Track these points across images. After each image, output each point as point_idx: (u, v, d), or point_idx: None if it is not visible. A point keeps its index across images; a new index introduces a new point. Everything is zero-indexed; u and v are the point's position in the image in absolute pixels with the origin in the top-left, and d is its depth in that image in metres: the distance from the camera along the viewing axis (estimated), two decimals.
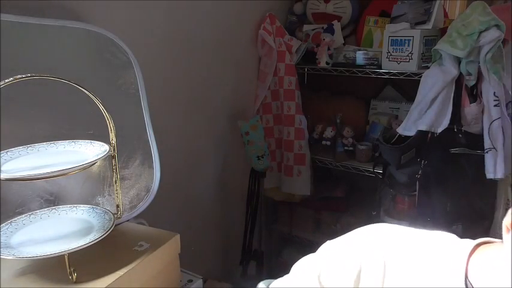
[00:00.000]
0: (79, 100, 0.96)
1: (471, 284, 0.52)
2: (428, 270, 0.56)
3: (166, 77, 1.43)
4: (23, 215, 0.86)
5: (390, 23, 1.70)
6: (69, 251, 0.74)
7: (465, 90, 1.45)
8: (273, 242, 2.32)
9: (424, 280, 0.55)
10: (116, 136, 0.87)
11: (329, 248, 0.67)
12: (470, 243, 0.56)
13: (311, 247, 0.66)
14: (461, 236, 0.59)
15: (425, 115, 1.48)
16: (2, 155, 0.80)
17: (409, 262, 0.58)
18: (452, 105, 1.44)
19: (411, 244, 0.60)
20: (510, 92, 1.40)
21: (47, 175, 0.72)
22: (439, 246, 0.58)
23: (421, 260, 0.57)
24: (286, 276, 0.71)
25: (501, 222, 0.48)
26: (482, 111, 1.42)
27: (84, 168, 0.76)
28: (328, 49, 1.84)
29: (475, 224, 1.48)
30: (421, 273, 0.56)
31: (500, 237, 0.50)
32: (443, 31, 1.57)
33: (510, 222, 0.33)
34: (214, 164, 1.78)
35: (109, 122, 0.85)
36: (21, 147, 0.84)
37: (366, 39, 1.88)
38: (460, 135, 1.44)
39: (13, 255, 0.73)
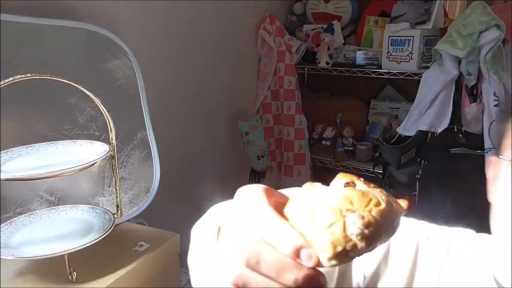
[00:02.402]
0: (79, 100, 0.96)
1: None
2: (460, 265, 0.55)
3: (166, 77, 1.43)
4: (23, 215, 0.86)
5: (390, 23, 1.70)
6: (69, 251, 0.74)
7: (465, 90, 1.45)
8: None
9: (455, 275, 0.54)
10: (116, 136, 0.87)
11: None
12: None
13: None
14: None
15: (425, 115, 1.48)
16: (2, 155, 0.80)
17: (441, 251, 0.57)
18: (452, 105, 1.44)
19: (442, 233, 0.60)
20: (510, 92, 1.40)
21: (47, 175, 0.72)
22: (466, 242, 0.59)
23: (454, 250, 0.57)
24: None
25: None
26: (482, 111, 1.42)
27: (84, 168, 0.76)
28: (328, 49, 1.84)
29: (475, 223, 1.48)
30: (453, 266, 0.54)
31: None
32: (443, 31, 1.57)
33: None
34: (214, 164, 1.78)
35: (109, 122, 0.85)
36: (21, 147, 0.84)
37: (366, 39, 1.88)
38: (460, 135, 1.44)
39: (13, 255, 0.73)
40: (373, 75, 1.72)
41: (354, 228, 0.27)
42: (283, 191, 0.33)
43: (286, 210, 0.30)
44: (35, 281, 0.79)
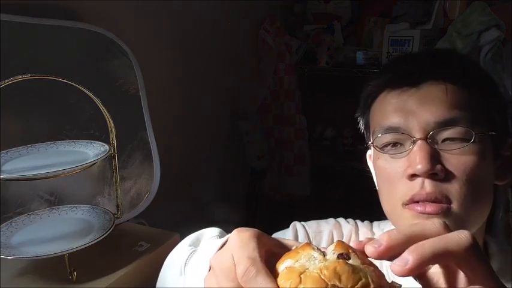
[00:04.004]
0: (79, 100, 0.96)
1: None
2: None
3: (166, 76, 1.43)
4: (23, 215, 0.86)
5: (390, 23, 1.70)
6: (69, 251, 0.74)
7: None
8: None
9: None
10: (116, 136, 0.87)
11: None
12: None
13: None
14: None
15: None
16: (2, 155, 0.80)
17: None
18: None
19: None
20: (510, 92, 1.40)
21: (47, 175, 0.72)
22: None
23: None
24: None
25: (501, 223, 0.50)
26: None
27: (84, 168, 0.76)
28: (328, 49, 1.84)
29: None
30: None
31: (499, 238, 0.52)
32: (443, 31, 1.57)
33: None
34: (214, 164, 1.78)
35: (109, 122, 0.85)
36: (21, 147, 0.84)
37: (366, 39, 1.88)
38: None
39: (13, 255, 0.73)
40: (373, 76, 1.72)
41: None
42: (277, 235, 0.35)
43: (279, 267, 0.31)
44: (35, 281, 0.79)
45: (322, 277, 0.27)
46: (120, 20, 1.21)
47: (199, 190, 1.70)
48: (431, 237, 0.28)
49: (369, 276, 0.28)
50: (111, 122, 0.85)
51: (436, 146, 0.49)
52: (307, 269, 0.29)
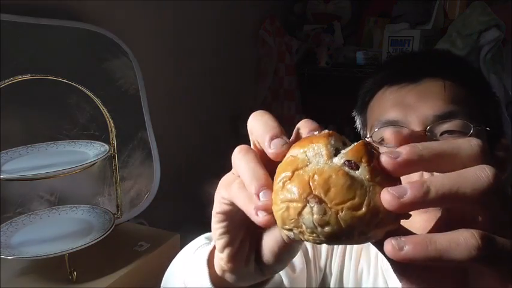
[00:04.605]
0: (79, 100, 0.96)
1: None
2: None
3: (166, 76, 1.43)
4: (23, 215, 0.86)
5: (390, 23, 1.70)
6: (69, 251, 0.74)
7: None
8: None
9: None
10: (116, 136, 0.87)
11: None
12: None
13: None
14: None
15: None
16: (2, 155, 0.80)
17: None
18: None
19: None
20: (510, 92, 1.40)
21: (47, 175, 0.72)
22: None
23: None
24: None
25: None
26: None
27: (84, 168, 0.76)
28: (328, 49, 1.84)
29: None
30: None
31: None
32: (443, 31, 1.57)
33: None
34: (214, 164, 1.77)
35: (109, 122, 0.85)
36: (21, 147, 0.84)
37: (366, 39, 1.88)
38: None
39: (13, 255, 0.73)
40: None
41: (308, 219, 0.24)
42: None
43: (291, 150, 0.27)
44: (35, 281, 0.79)
45: (311, 183, 0.24)
46: (120, 20, 1.21)
47: (199, 190, 1.70)
48: (462, 160, 0.23)
49: (366, 198, 0.23)
50: (111, 122, 0.85)
51: (434, 139, 0.49)
52: (307, 165, 0.25)
